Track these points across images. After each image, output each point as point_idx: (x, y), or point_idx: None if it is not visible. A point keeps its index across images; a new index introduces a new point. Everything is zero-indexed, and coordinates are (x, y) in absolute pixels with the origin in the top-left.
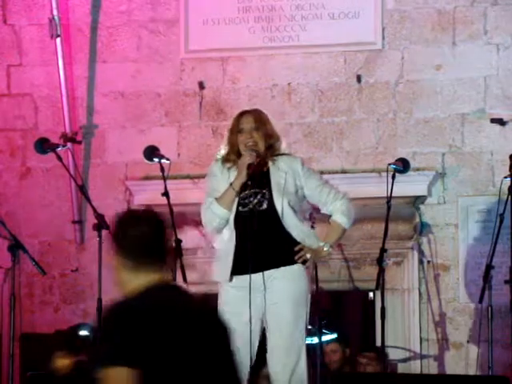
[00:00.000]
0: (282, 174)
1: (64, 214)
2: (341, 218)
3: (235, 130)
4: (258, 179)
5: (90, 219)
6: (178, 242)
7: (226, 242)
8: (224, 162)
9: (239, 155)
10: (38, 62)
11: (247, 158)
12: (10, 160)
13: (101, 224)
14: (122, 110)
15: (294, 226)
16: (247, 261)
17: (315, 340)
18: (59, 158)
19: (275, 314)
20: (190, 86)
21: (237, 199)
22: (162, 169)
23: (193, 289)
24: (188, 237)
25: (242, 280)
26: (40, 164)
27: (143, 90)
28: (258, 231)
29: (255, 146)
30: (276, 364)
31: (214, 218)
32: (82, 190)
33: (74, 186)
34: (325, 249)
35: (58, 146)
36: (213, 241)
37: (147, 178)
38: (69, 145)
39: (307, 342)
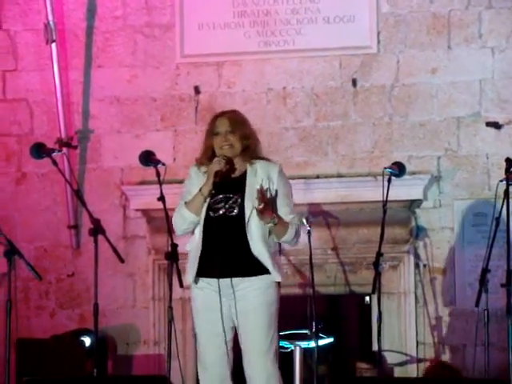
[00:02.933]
0: (258, 179)
1: (60, 219)
2: (291, 225)
3: (211, 132)
4: (228, 185)
5: (86, 224)
6: (174, 246)
7: (195, 242)
8: (199, 165)
9: (214, 157)
10: (33, 67)
11: (215, 165)
12: (6, 165)
13: (97, 229)
14: (118, 114)
15: (256, 234)
16: (214, 265)
17: (312, 344)
18: (55, 163)
19: (248, 321)
20: (186, 91)
21: (207, 203)
22: (158, 173)
23: (188, 293)
24: (184, 241)
25: (208, 283)
26: (35, 169)
27: (139, 95)
28: (226, 237)
29: (231, 149)
30: (252, 370)
31: (183, 222)
32: (78, 194)
33: (70, 190)
34: (274, 221)
35: (53, 150)
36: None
37: (143, 182)
38: (64, 150)
39: (304, 346)
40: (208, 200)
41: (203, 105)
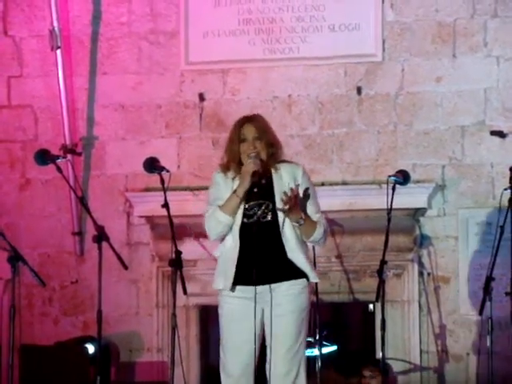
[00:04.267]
0: (284, 183)
1: (64, 226)
2: (319, 224)
3: (236, 138)
4: (263, 188)
5: (90, 231)
6: (178, 253)
7: (227, 250)
8: (225, 171)
9: (240, 164)
10: (38, 73)
11: (251, 166)
12: (10, 171)
13: (101, 235)
14: (122, 121)
15: (291, 238)
16: (250, 272)
17: (315, 352)
18: (59, 170)
19: (278, 326)
20: (191, 98)
21: (242, 210)
22: (162, 180)
23: (192, 300)
24: (188, 248)
25: (242, 291)
26: (40, 175)
27: (143, 102)
28: (262, 243)
29: (258, 156)
30: (276, 377)
31: (218, 225)
32: (82, 201)
33: (74, 197)
34: (300, 222)
35: (57, 157)
36: (214, 249)
37: (147, 189)
38: (69, 156)
39: (307, 354)
40: (242, 206)
41: (208, 112)
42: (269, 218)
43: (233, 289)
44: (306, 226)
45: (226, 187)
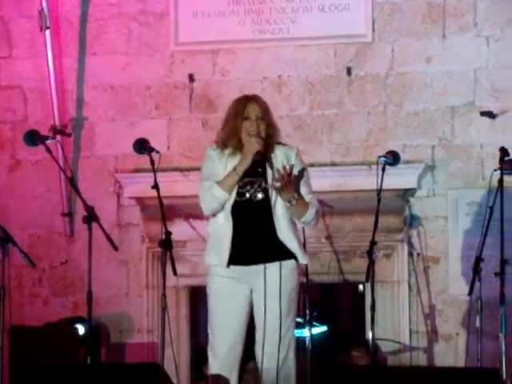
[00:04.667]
0: (278, 163)
1: (53, 207)
2: (311, 205)
3: (240, 115)
4: (256, 166)
5: (80, 211)
6: (168, 234)
7: (220, 227)
8: (222, 147)
9: (239, 141)
10: (27, 54)
11: (255, 145)
12: (0, 152)
13: (90, 216)
14: (112, 102)
15: (282, 218)
16: (242, 251)
17: (305, 332)
18: (49, 151)
19: (268, 307)
20: (180, 79)
21: (236, 188)
22: (152, 161)
23: (182, 281)
24: (178, 229)
25: (232, 271)
26: (29, 156)
27: (133, 83)
28: (254, 222)
29: (260, 135)
30: (266, 357)
31: (214, 201)
32: (72, 182)
33: (64, 178)
34: (292, 201)
35: (47, 138)
36: (204, 230)
37: (137, 170)
38: (58, 137)
39: (297, 335)
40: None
41: (198, 93)
42: (260, 196)
43: (228, 266)
44: (298, 206)
45: (221, 164)
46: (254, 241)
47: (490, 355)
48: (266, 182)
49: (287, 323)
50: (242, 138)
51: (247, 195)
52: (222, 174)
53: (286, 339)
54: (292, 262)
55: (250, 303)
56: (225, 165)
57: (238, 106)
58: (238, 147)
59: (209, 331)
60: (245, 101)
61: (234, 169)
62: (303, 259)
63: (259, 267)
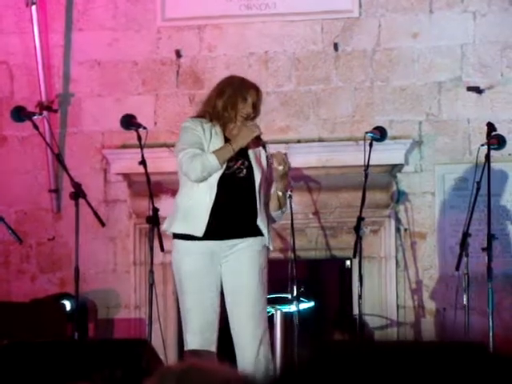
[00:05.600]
0: (256, 151)
1: (40, 183)
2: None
3: (241, 96)
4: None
5: (67, 188)
6: (156, 210)
7: (197, 196)
8: (215, 122)
9: (234, 116)
10: (13, 29)
11: (257, 131)
12: None
13: (78, 193)
14: (99, 78)
15: (262, 200)
16: (220, 225)
17: (293, 308)
18: (35, 127)
19: (240, 282)
20: (167, 55)
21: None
22: (139, 137)
23: (170, 257)
24: (165, 205)
25: (208, 246)
26: (16, 132)
27: (120, 59)
28: (235, 197)
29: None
30: (244, 334)
31: (205, 169)
32: (59, 158)
33: (51, 154)
34: (279, 193)
35: (34, 114)
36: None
37: (124, 146)
38: (45, 113)
39: (284, 310)
40: None
41: (184, 69)
42: (243, 173)
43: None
44: (284, 197)
45: (206, 136)
46: (232, 215)
47: (477, 330)
48: (250, 161)
49: (262, 298)
50: (235, 117)
51: (232, 170)
52: (206, 146)
53: (263, 315)
54: (265, 238)
55: (221, 278)
56: (209, 136)
57: (243, 86)
58: (229, 121)
59: (180, 307)
60: (248, 85)
61: (230, 144)
62: (271, 245)
63: (232, 242)
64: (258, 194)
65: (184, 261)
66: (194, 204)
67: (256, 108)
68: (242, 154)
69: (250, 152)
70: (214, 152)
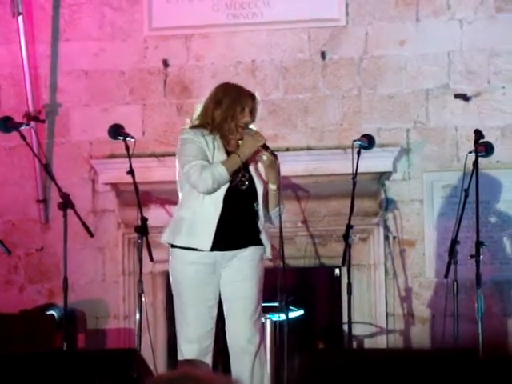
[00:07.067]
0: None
1: (28, 194)
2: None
3: (240, 106)
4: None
5: (55, 198)
6: (144, 220)
7: (203, 209)
8: (216, 132)
9: (235, 127)
10: None
11: (261, 139)
12: None
13: (66, 203)
14: (86, 88)
15: (262, 211)
16: (225, 237)
17: (282, 317)
18: (23, 137)
19: (238, 290)
20: (154, 64)
21: None
22: (127, 147)
23: (159, 267)
24: (154, 215)
25: (211, 257)
26: (3, 143)
27: (107, 68)
28: (239, 210)
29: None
30: (243, 341)
31: (216, 181)
32: (47, 168)
33: (38, 165)
34: (272, 186)
35: (21, 124)
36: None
37: (112, 156)
38: (32, 124)
39: (274, 319)
40: None
41: (172, 78)
42: (246, 185)
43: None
44: (278, 194)
45: (209, 148)
46: (238, 228)
47: (466, 338)
48: (250, 173)
49: (259, 308)
50: (233, 127)
51: (233, 183)
52: (210, 157)
53: (259, 324)
54: (263, 247)
55: (219, 287)
56: (212, 148)
57: (243, 95)
58: (229, 132)
59: (179, 320)
60: (247, 94)
61: (237, 155)
62: (269, 253)
63: (235, 252)
64: (261, 205)
65: (186, 271)
66: (199, 218)
67: (253, 115)
68: (243, 166)
69: (250, 163)
70: (222, 163)
